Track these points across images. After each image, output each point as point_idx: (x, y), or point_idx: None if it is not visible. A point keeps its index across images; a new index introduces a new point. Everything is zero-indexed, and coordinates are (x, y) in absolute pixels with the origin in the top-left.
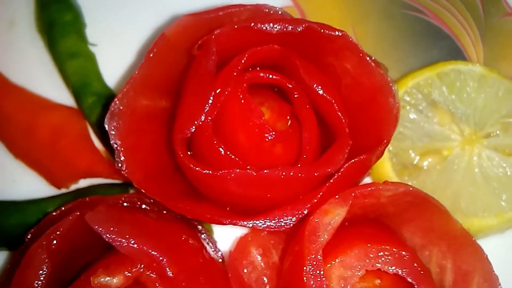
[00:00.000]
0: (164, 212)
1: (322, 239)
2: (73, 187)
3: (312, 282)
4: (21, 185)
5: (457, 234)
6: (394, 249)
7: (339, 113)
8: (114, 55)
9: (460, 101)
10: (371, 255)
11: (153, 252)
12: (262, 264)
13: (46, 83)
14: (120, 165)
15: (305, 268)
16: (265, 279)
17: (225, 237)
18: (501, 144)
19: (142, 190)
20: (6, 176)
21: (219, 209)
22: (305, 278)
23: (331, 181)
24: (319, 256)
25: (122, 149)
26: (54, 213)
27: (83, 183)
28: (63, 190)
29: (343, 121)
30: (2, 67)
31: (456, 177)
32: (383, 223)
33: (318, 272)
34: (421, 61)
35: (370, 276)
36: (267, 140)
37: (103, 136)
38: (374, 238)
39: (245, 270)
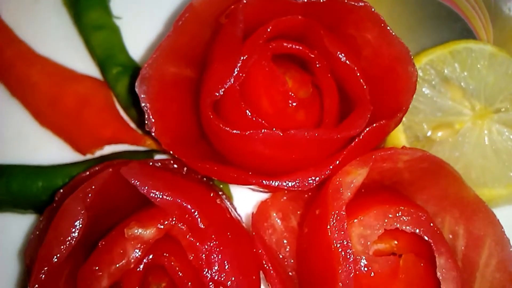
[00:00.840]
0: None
1: (345, 196)
2: (98, 153)
3: (336, 235)
4: (46, 151)
5: (469, 201)
6: (411, 210)
7: (361, 80)
8: (138, 28)
9: (471, 78)
10: (390, 215)
11: (186, 204)
12: (282, 227)
13: (72, 55)
14: (149, 127)
15: (329, 223)
16: (285, 241)
17: (244, 204)
18: (510, 119)
19: (170, 152)
20: (31, 143)
21: (244, 171)
22: (329, 232)
23: (352, 144)
24: (342, 212)
25: (152, 112)
26: (84, 174)
27: (108, 150)
28: (88, 156)
29: (364, 87)
30: (28, 39)
31: (467, 150)
32: (398, 191)
33: (342, 226)
34: (433, 42)
35: (387, 238)
36: (290, 106)
37: (133, 102)
38: (392, 201)
39: (266, 232)
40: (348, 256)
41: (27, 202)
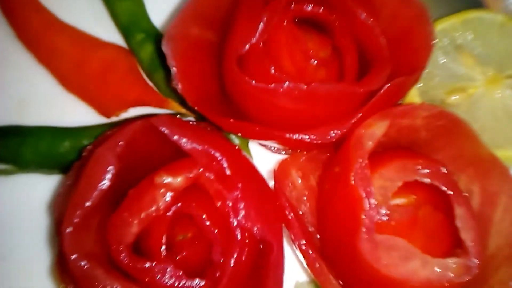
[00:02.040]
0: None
1: (367, 146)
2: (122, 116)
3: (359, 182)
4: (72, 115)
5: (484, 159)
6: (430, 163)
7: (380, 37)
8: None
9: (483, 46)
10: (409, 168)
11: (214, 152)
12: (302, 185)
13: (96, 23)
14: (175, 84)
15: (352, 171)
16: (304, 198)
17: (263, 165)
18: None
19: (195, 109)
20: (58, 107)
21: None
22: (352, 179)
23: (373, 99)
24: (365, 160)
25: (177, 69)
26: (110, 132)
27: (132, 113)
28: (113, 119)
29: (384, 45)
30: (54, 8)
31: (480, 113)
32: (415, 151)
33: (365, 173)
34: (446, 12)
35: (406, 192)
36: (311, 64)
37: (161, 62)
38: (410, 156)
39: (287, 189)
40: (371, 201)
41: (54, 162)
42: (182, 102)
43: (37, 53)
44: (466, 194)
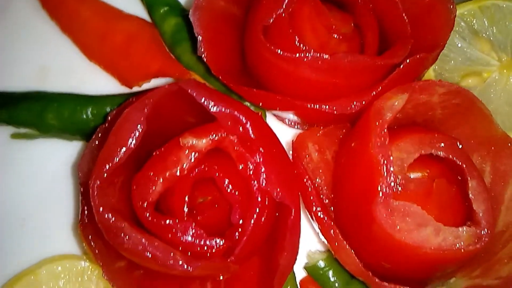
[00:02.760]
0: None
1: (387, 117)
2: (144, 86)
3: (379, 150)
4: (94, 84)
5: (497, 138)
6: (445, 137)
7: (403, 14)
8: None
9: (499, 32)
10: (425, 141)
11: (239, 115)
12: (318, 158)
13: None
14: (201, 52)
15: (371, 140)
16: (320, 170)
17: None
18: None
19: (219, 77)
20: (80, 76)
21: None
22: (371, 148)
23: (393, 73)
24: (384, 129)
25: (203, 38)
26: (134, 98)
27: (154, 83)
28: (135, 89)
29: (406, 21)
30: None
31: (494, 97)
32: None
33: (383, 141)
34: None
35: (420, 167)
36: (333, 38)
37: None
38: (426, 132)
39: (304, 160)
40: (389, 168)
41: (76, 128)
42: (205, 74)
43: (61, 22)
44: None
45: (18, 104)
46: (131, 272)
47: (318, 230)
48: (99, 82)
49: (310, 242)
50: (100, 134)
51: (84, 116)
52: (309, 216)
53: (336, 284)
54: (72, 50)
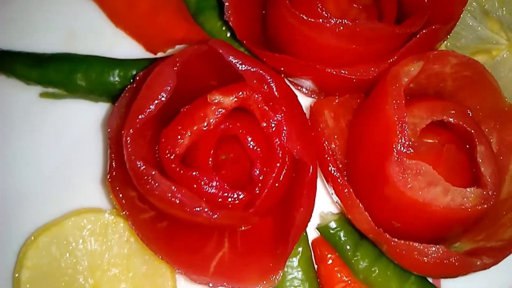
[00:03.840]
0: None
1: (403, 81)
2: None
3: (394, 112)
4: (120, 49)
5: (504, 111)
6: (456, 105)
7: None
8: None
9: (508, 12)
10: (438, 108)
11: (264, 74)
12: (333, 124)
13: None
14: (228, 17)
15: (388, 101)
16: (335, 137)
17: None
18: None
19: (243, 42)
20: (107, 41)
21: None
22: (388, 108)
23: (410, 42)
24: (401, 92)
25: (230, 4)
26: (161, 59)
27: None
28: (159, 55)
29: None
30: None
31: (502, 73)
32: None
33: (400, 102)
34: None
35: (431, 135)
36: (353, 8)
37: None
38: (439, 100)
39: (320, 126)
40: (404, 128)
41: (102, 89)
42: (227, 41)
43: None
44: None
45: (48, 65)
46: (155, 224)
47: (331, 192)
48: (125, 48)
49: (323, 204)
50: (127, 94)
51: (111, 78)
52: (323, 179)
53: (347, 244)
54: (99, 16)
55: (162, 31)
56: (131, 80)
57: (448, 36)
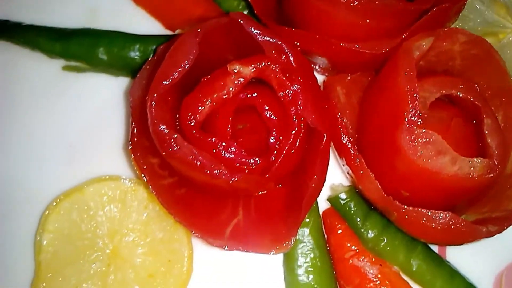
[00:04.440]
0: None
1: (414, 54)
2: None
3: (406, 83)
4: (139, 27)
5: (510, 89)
6: (465, 80)
7: None
8: None
9: None
10: (447, 83)
11: (282, 44)
12: (345, 100)
13: None
14: None
15: (399, 73)
16: (347, 111)
17: None
18: None
19: (261, 18)
20: (125, 18)
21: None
22: (399, 80)
23: (421, 19)
24: (413, 64)
25: None
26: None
27: None
28: (178, 32)
29: None
30: None
31: (508, 56)
32: None
33: (411, 75)
34: None
35: (439, 110)
36: None
37: None
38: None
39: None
40: (415, 97)
41: (123, 63)
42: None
43: None
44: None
45: (70, 39)
46: (174, 190)
47: (343, 163)
48: (144, 26)
49: (334, 177)
50: (148, 66)
51: (132, 53)
52: (334, 152)
53: (356, 214)
54: None
55: (180, 9)
56: (151, 55)
57: (457, 19)
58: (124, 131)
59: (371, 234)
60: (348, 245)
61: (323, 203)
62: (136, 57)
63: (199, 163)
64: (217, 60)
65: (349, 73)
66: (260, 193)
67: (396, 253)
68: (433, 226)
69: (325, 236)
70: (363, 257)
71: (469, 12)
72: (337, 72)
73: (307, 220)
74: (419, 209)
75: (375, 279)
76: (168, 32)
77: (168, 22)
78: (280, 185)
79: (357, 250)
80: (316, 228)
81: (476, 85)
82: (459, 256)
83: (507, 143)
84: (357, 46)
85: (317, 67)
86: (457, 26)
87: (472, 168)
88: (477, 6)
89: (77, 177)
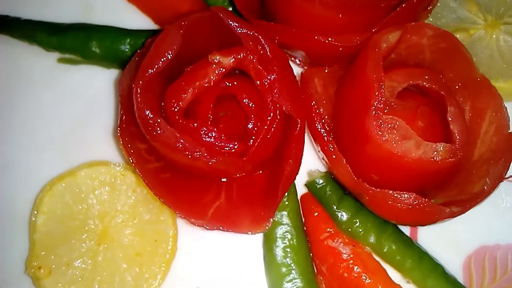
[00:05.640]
0: None
1: (382, 47)
2: None
3: (373, 72)
4: (131, 22)
5: (477, 81)
6: (430, 71)
7: None
8: None
9: None
10: (414, 74)
11: (259, 36)
12: (322, 91)
13: None
14: None
15: (368, 64)
16: (324, 102)
17: None
18: None
19: (242, 13)
20: (118, 14)
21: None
22: (367, 69)
23: (391, 14)
24: (380, 55)
25: None
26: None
27: None
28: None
29: None
30: None
31: (478, 51)
32: None
33: (378, 65)
34: None
35: (407, 99)
36: None
37: None
38: (416, 67)
39: (310, 92)
40: (381, 86)
41: (115, 56)
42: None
43: None
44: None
45: (66, 33)
46: (159, 174)
47: (318, 149)
48: (136, 21)
49: (311, 163)
50: (137, 58)
51: (123, 46)
52: (311, 139)
53: (331, 198)
54: None
55: (169, 5)
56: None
57: (429, 16)
58: (114, 119)
59: (345, 217)
60: (324, 227)
61: (301, 188)
62: (126, 50)
63: (180, 145)
64: (201, 51)
65: (326, 65)
66: (238, 175)
67: (368, 235)
68: (399, 206)
69: (303, 219)
70: (337, 238)
71: (442, 9)
72: (315, 64)
73: (286, 203)
74: (386, 191)
75: (348, 259)
76: (157, 27)
77: (157, 17)
78: (260, 171)
79: (332, 232)
80: (294, 212)
81: (441, 76)
82: (430, 240)
83: (474, 134)
84: (331, 39)
85: (297, 61)
86: (430, 22)
87: (435, 152)
88: (450, 3)
89: (70, 162)
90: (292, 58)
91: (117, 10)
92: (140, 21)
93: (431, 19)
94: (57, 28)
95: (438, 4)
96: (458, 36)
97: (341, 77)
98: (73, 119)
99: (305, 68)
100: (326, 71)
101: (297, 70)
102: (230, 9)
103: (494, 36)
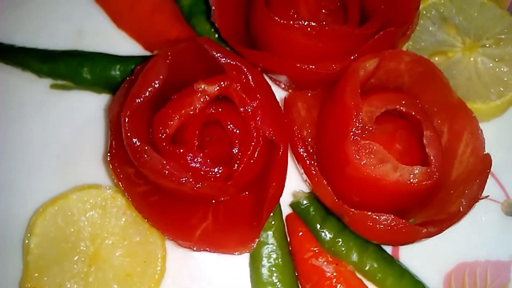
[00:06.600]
0: None
1: (360, 74)
2: None
3: (351, 99)
4: (121, 48)
5: (454, 103)
6: (408, 96)
7: None
8: None
9: (465, 19)
10: (392, 99)
11: (242, 66)
12: (305, 115)
13: None
14: (214, 18)
15: (346, 91)
16: (307, 125)
17: None
18: (493, 53)
19: (227, 41)
20: (109, 40)
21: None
22: (346, 96)
23: (369, 42)
24: (357, 83)
25: (215, 6)
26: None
27: None
28: (156, 53)
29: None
30: None
31: (456, 73)
32: None
33: (356, 93)
34: None
35: (385, 123)
36: (322, 13)
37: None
38: (394, 92)
39: (293, 115)
40: (359, 112)
41: (105, 82)
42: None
43: None
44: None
45: (58, 60)
46: (148, 197)
47: (301, 172)
48: (126, 46)
49: (296, 185)
50: (126, 84)
51: (113, 72)
52: (295, 161)
53: (315, 218)
54: (103, 18)
55: (158, 32)
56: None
57: (408, 40)
58: (105, 143)
59: (328, 236)
60: (308, 246)
61: (286, 208)
62: (116, 75)
63: (167, 172)
64: (187, 78)
65: (309, 89)
66: (223, 199)
67: (350, 253)
68: (378, 227)
69: (288, 238)
70: (321, 257)
71: (421, 33)
72: (299, 88)
73: (272, 223)
74: (365, 212)
75: (331, 277)
76: (147, 53)
77: (147, 43)
78: (246, 193)
79: (316, 251)
80: (279, 231)
81: (418, 101)
82: (411, 257)
83: (451, 154)
84: (312, 66)
85: (281, 84)
86: (409, 46)
87: (411, 175)
88: (429, 27)
89: (62, 185)
90: (277, 82)
91: (108, 36)
92: (130, 46)
93: (410, 43)
94: (49, 55)
95: (418, 28)
96: (437, 59)
97: (324, 100)
98: (65, 143)
99: (290, 91)
100: (309, 94)
101: (282, 93)
102: (216, 36)
103: (472, 58)
